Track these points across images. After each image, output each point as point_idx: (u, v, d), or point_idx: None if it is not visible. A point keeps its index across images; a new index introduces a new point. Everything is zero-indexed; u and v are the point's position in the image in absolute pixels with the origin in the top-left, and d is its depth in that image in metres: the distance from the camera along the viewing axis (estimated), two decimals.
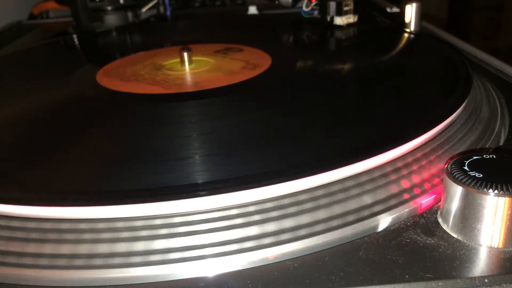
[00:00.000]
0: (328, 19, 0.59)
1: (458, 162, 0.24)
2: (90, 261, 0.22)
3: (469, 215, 0.23)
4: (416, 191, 0.26)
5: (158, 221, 0.23)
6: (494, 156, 0.24)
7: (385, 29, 0.64)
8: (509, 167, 0.23)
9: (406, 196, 0.26)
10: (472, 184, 0.22)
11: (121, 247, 0.23)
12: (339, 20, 0.58)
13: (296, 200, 0.24)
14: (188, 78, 0.45)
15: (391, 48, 0.50)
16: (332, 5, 0.58)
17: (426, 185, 0.26)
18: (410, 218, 0.25)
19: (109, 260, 0.22)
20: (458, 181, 0.23)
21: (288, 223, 0.24)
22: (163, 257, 0.22)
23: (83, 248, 0.23)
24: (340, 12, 0.58)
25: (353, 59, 0.46)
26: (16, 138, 0.34)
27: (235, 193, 0.24)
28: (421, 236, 0.24)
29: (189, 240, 0.23)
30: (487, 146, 0.31)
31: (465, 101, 0.33)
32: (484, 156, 0.24)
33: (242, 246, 0.23)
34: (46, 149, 0.31)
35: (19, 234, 0.24)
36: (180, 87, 0.42)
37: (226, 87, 0.40)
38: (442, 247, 0.23)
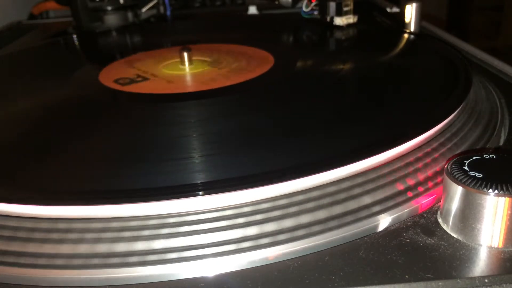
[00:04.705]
0: (328, 19, 0.59)
1: (458, 162, 0.24)
2: (88, 260, 0.22)
3: (469, 215, 0.23)
4: (416, 191, 0.26)
5: (157, 221, 0.23)
6: (494, 156, 0.24)
7: (385, 30, 0.64)
8: (509, 167, 0.23)
9: (406, 196, 0.26)
10: (472, 184, 0.22)
11: (120, 247, 0.23)
12: (339, 21, 0.58)
13: (296, 200, 0.24)
14: (189, 78, 0.45)
15: (391, 48, 0.50)
16: (332, 5, 0.58)
17: (426, 185, 0.26)
18: (410, 218, 0.25)
19: (108, 260, 0.22)
20: (458, 181, 0.23)
21: (288, 223, 0.24)
22: (163, 257, 0.22)
23: (81, 248, 0.23)
24: (340, 12, 0.57)
25: (352, 60, 0.46)
26: (16, 137, 0.34)
27: (234, 193, 0.24)
28: (421, 236, 0.24)
29: (189, 240, 0.23)
30: (487, 146, 0.31)
31: (465, 101, 0.33)
32: (484, 156, 0.24)
33: (242, 246, 0.23)
34: (47, 149, 0.31)
35: (19, 234, 0.24)
36: (180, 87, 0.42)
37: (227, 88, 0.40)
38: (442, 247, 0.23)
